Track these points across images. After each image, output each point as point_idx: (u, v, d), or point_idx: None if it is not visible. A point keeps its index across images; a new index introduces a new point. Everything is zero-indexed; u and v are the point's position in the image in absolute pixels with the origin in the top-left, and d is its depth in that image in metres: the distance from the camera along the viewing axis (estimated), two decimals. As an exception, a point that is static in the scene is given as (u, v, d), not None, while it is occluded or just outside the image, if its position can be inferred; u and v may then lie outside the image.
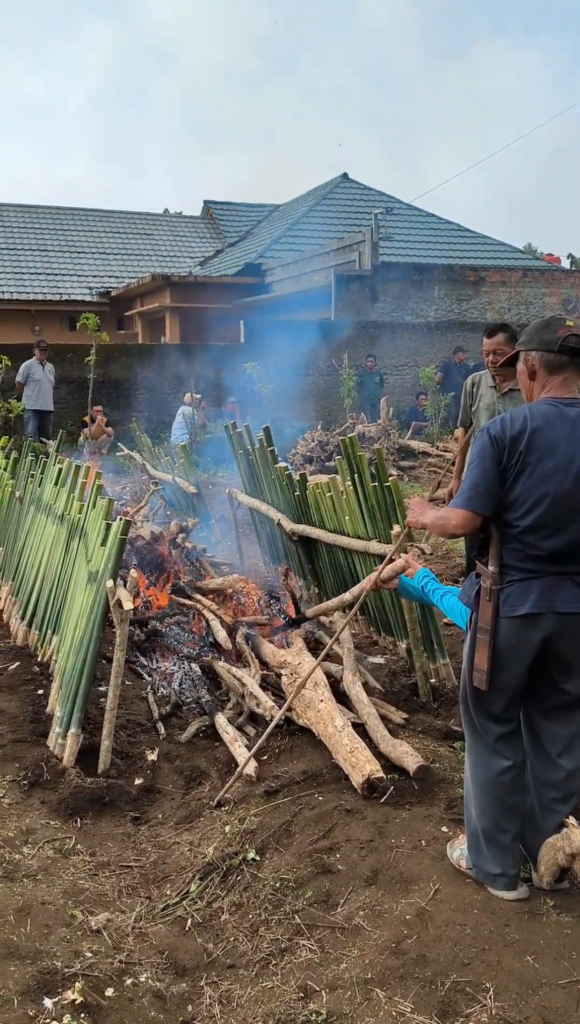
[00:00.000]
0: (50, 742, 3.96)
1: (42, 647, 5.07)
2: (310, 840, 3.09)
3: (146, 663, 4.93)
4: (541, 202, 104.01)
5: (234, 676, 4.51)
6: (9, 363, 13.38)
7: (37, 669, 4.91)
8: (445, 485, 11.51)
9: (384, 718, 3.87)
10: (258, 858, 3.09)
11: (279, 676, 4.45)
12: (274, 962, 2.60)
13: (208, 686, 4.64)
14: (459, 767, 3.46)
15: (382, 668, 4.78)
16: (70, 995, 2.37)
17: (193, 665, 4.83)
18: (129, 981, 2.54)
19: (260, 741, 3.66)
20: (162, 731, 4.21)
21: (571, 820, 2.66)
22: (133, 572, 4.88)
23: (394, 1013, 2.26)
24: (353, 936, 2.60)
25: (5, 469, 8.34)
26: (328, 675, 4.17)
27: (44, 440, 11.98)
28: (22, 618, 5.49)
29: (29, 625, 5.37)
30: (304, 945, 2.62)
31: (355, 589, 4.23)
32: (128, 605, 3.67)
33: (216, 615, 5.14)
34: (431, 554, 6.45)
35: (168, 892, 3.06)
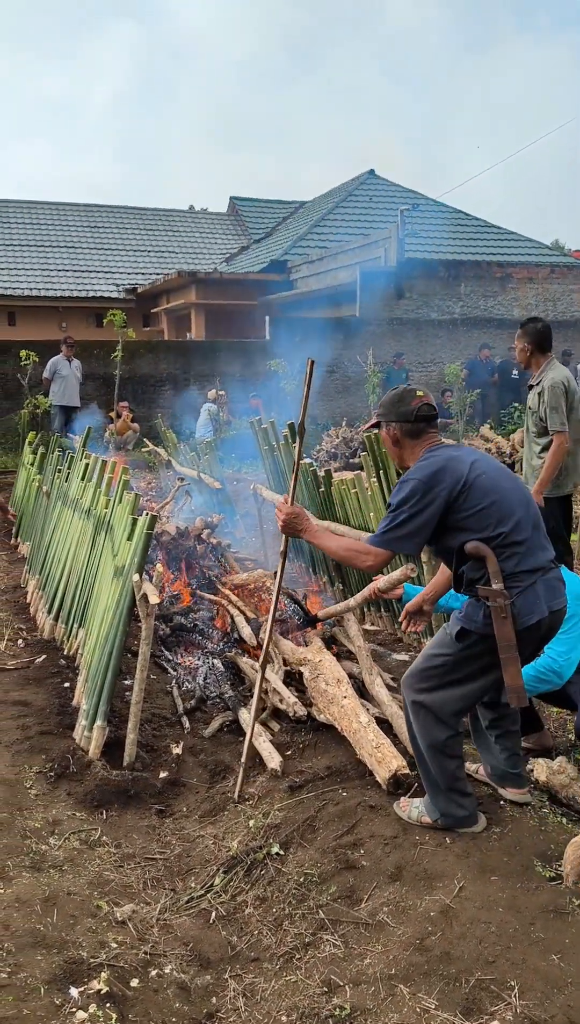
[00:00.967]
0: (76, 734, 4.00)
1: (68, 640, 5.12)
2: (334, 835, 3.10)
3: (171, 657, 4.96)
4: (569, 198, 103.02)
5: (257, 671, 4.52)
6: (37, 359, 13.48)
7: (63, 662, 4.96)
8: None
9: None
10: (282, 852, 3.10)
11: (300, 674, 4.45)
12: (298, 956, 2.61)
13: (232, 681, 4.66)
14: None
15: (407, 665, 4.76)
16: (96, 985, 2.39)
17: (216, 660, 4.85)
18: (154, 972, 2.56)
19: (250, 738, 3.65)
20: (187, 725, 4.23)
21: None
22: (159, 567, 4.90)
23: (418, 1009, 2.26)
24: (377, 932, 2.60)
25: (33, 464, 8.41)
26: (350, 675, 4.17)
27: (70, 436, 12.07)
28: (49, 612, 5.54)
29: (56, 619, 5.42)
30: (328, 940, 2.62)
31: (359, 596, 4.22)
32: (154, 600, 3.69)
33: (240, 611, 5.15)
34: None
35: (193, 885, 3.08)
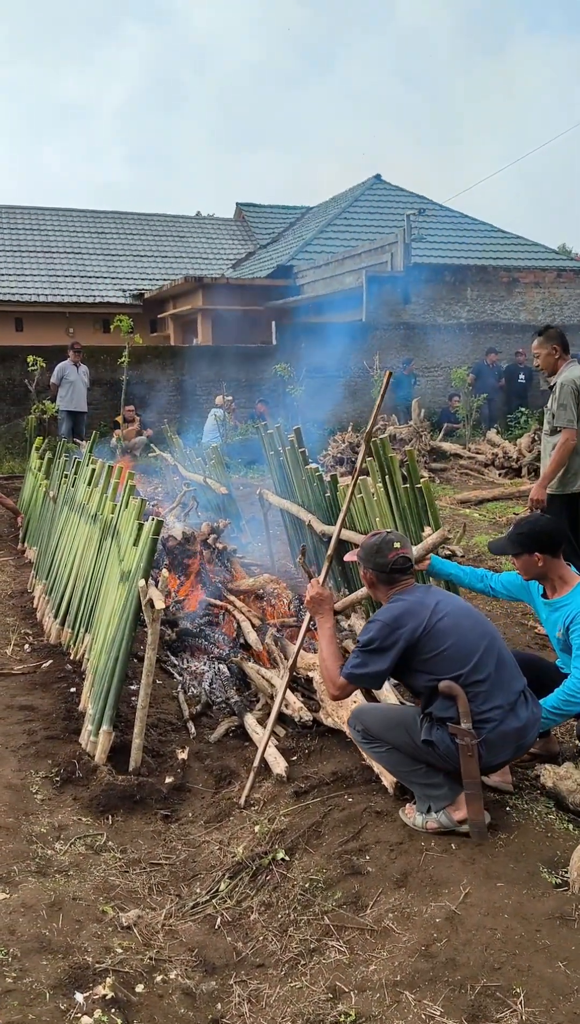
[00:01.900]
0: (82, 739, 4.00)
1: (75, 645, 5.13)
2: (340, 841, 3.09)
3: (177, 662, 4.96)
4: (576, 202, 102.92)
5: (263, 677, 4.52)
6: (44, 365, 13.52)
7: (70, 667, 4.97)
8: (472, 488, 11.44)
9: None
10: (288, 858, 3.09)
11: (309, 679, 4.44)
12: (303, 962, 2.60)
13: (237, 686, 4.66)
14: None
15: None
16: (101, 990, 2.39)
17: (222, 665, 4.85)
18: (159, 978, 2.56)
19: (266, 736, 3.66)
20: (192, 730, 4.23)
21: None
22: (165, 572, 4.91)
23: (423, 1016, 2.25)
24: (382, 938, 2.60)
25: (40, 469, 8.44)
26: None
27: (77, 441, 12.10)
28: (55, 616, 5.56)
29: (62, 623, 5.43)
30: (333, 946, 2.62)
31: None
32: (160, 604, 3.69)
33: (246, 616, 5.16)
34: (463, 556, 6.41)
35: (198, 890, 3.08)
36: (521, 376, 16.02)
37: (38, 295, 22.87)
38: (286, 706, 4.13)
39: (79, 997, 2.38)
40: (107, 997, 2.38)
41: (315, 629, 3.56)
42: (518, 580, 3.79)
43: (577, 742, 3.86)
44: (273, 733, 4.04)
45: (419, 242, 19.82)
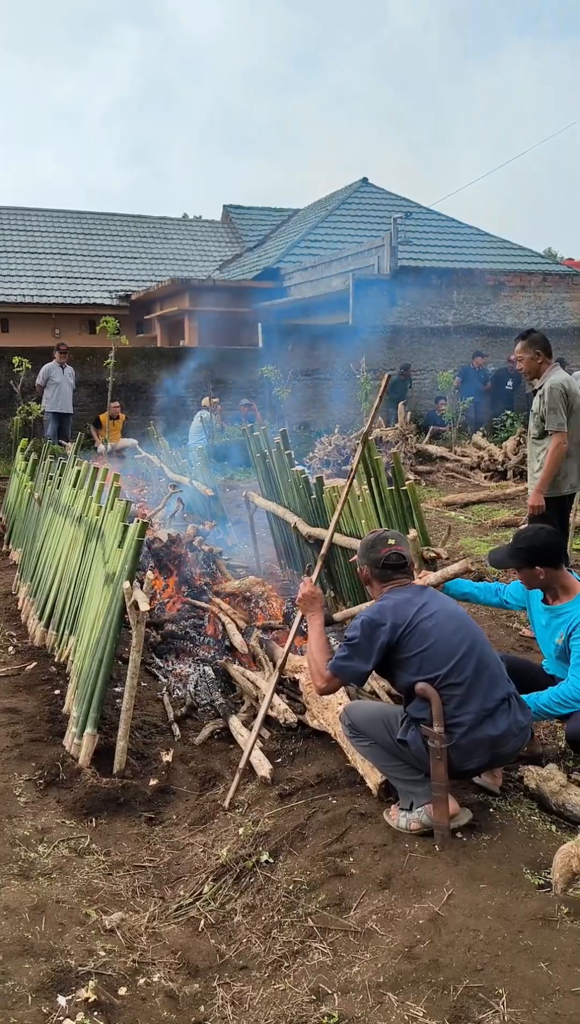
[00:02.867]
0: (66, 742, 3.99)
1: (59, 648, 5.11)
2: (324, 843, 3.09)
3: (162, 665, 4.95)
4: (562, 206, 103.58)
5: (248, 679, 4.52)
6: (29, 366, 13.47)
7: (54, 669, 4.95)
8: (460, 490, 11.48)
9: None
10: (272, 860, 3.09)
11: (295, 681, 4.45)
12: (286, 964, 2.60)
13: (222, 689, 4.66)
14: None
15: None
16: (84, 993, 2.38)
17: (208, 668, 4.84)
18: (142, 981, 2.56)
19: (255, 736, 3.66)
20: (177, 733, 4.22)
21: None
22: (149, 574, 4.90)
23: (406, 1017, 2.26)
24: (366, 940, 2.60)
25: (25, 471, 8.41)
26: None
27: (63, 443, 12.05)
28: (40, 619, 5.53)
29: (47, 626, 5.41)
30: (317, 948, 2.62)
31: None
32: (144, 607, 3.69)
33: (231, 618, 5.15)
34: (448, 559, 6.43)
35: (182, 893, 3.07)
36: (509, 383, 16.09)
37: (24, 296, 22.79)
38: (271, 708, 4.13)
39: (62, 1000, 2.37)
40: (90, 1000, 2.37)
41: (305, 631, 3.58)
42: (520, 588, 3.84)
43: (560, 743, 3.88)
44: (258, 735, 4.04)
45: (406, 245, 19.89)
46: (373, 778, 3.31)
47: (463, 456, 13.42)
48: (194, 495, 8.17)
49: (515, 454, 12.26)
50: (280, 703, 4.12)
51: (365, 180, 26.04)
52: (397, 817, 3.10)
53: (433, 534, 6.50)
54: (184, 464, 9.32)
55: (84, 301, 23.16)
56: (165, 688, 4.67)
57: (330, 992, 2.42)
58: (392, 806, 3.18)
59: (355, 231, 22.55)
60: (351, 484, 4.01)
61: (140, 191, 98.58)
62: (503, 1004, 2.25)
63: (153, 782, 3.74)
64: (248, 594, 5.65)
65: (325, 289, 19.04)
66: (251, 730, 3.78)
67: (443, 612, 3.17)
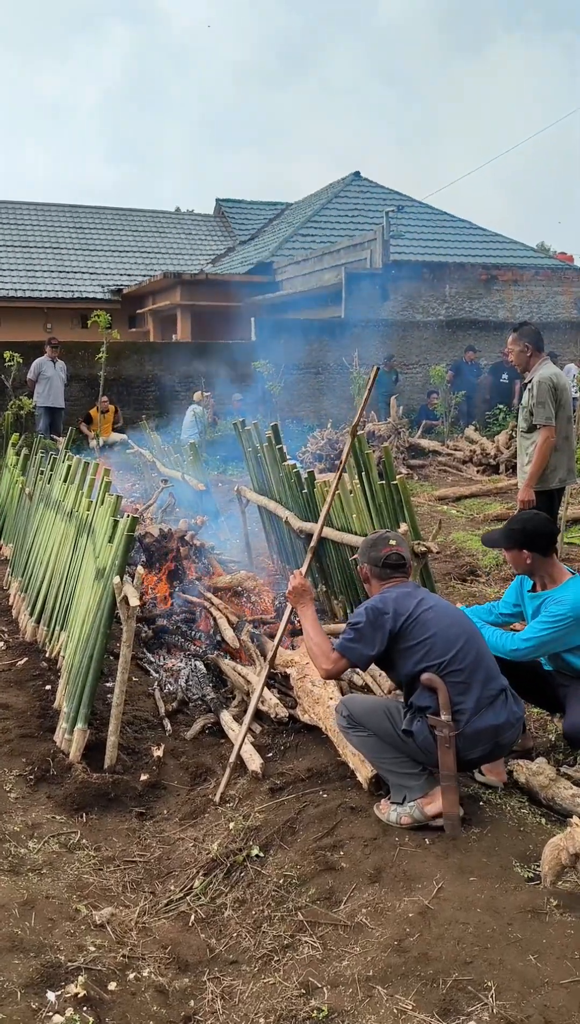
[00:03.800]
0: (57, 737, 3.98)
1: (50, 643, 5.10)
2: (314, 837, 3.10)
3: (153, 660, 4.95)
4: (555, 200, 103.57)
5: (239, 674, 4.52)
6: (21, 360, 13.41)
7: (45, 665, 4.94)
8: (448, 485, 11.49)
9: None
10: (262, 855, 3.10)
11: (286, 676, 4.45)
12: (276, 958, 2.60)
13: (214, 683, 4.65)
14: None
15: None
16: (73, 989, 2.38)
17: (199, 663, 4.84)
18: (132, 975, 2.56)
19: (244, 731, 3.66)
20: (168, 728, 4.22)
21: (574, 820, 2.66)
22: (140, 569, 4.89)
23: (395, 1011, 2.26)
24: (355, 933, 2.60)
25: (16, 466, 8.39)
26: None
27: (54, 437, 12.01)
28: (31, 614, 5.52)
29: (37, 621, 5.40)
30: (306, 942, 2.62)
31: None
32: (135, 602, 3.68)
33: (223, 613, 5.15)
34: (439, 553, 6.44)
35: (172, 888, 3.07)
36: (504, 376, 16.09)
37: (15, 290, 22.68)
38: (262, 702, 4.13)
39: (51, 996, 2.37)
40: (79, 995, 2.37)
41: (297, 622, 3.60)
42: (513, 590, 3.85)
43: (550, 737, 3.89)
44: (249, 730, 4.05)
45: (398, 239, 19.85)
46: (364, 772, 3.31)
47: (455, 450, 13.43)
48: (186, 490, 8.16)
49: (507, 448, 12.27)
50: (271, 697, 4.12)
51: (357, 174, 25.98)
52: (387, 811, 3.11)
53: (425, 528, 6.50)
54: (176, 459, 9.30)
55: (76, 295, 23.05)
56: (156, 683, 4.66)
57: (320, 986, 2.43)
58: (382, 800, 3.19)
59: (347, 225, 22.50)
60: (341, 478, 4.01)
61: (131, 185, 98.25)
62: (492, 996, 2.26)
63: (144, 777, 3.74)
64: (240, 588, 5.65)
65: (317, 283, 19.01)
66: (242, 723, 3.78)
67: (440, 606, 3.27)
